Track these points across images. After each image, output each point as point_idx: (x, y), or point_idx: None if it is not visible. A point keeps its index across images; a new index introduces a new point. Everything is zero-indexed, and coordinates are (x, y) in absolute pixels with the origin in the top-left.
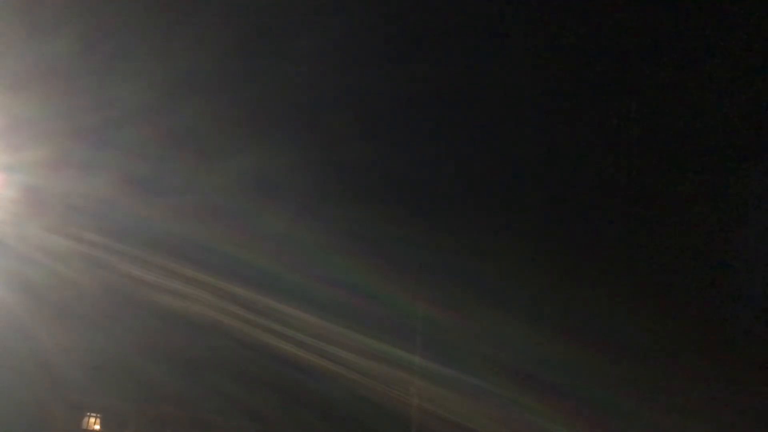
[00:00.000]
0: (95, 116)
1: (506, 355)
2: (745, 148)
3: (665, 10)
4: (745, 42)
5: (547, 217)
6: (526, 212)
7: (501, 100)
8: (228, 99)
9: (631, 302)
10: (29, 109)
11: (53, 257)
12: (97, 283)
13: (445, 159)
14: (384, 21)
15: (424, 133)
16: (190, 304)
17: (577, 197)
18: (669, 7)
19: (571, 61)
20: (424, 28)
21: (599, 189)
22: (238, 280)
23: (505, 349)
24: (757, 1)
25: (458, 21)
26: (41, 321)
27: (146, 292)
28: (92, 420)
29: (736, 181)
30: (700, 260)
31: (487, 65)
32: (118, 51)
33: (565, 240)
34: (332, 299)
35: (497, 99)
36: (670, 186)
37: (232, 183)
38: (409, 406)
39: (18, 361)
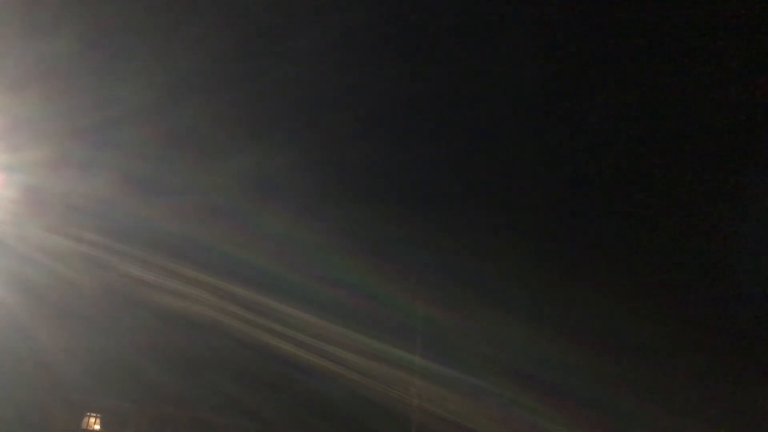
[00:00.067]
0: (95, 116)
1: (506, 355)
2: (745, 148)
3: (665, 9)
4: (745, 42)
5: (547, 217)
6: (526, 212)
7: (501, 100)
8: (228, 99)
9: (631, 302)
10: (29, 109)
11: (53, 257)
12: (97, 283)
13: (445, 159)
14: (384, 21)
15: (424, 133)
16: (190, 304)
17: (577, 197)
18: (669, 6)
19: (571, 60)
20: (424, 28)
21: (599, 189)
22: (238, 280)
23: (505, 349)
24: (758, 1)
25: (458, 21)
26: (41, 321)
27: (146, 292)
28: (92, 420)
29: (736, 181)
30: (700, 260)
31: (487, 65)
32: (118, 51)
33: (565, 240)
34: (332, 299)
35: (497, 99)
36: (670, 186)
37: (232, 183)
38: (409, 406)
39: (18, 361)
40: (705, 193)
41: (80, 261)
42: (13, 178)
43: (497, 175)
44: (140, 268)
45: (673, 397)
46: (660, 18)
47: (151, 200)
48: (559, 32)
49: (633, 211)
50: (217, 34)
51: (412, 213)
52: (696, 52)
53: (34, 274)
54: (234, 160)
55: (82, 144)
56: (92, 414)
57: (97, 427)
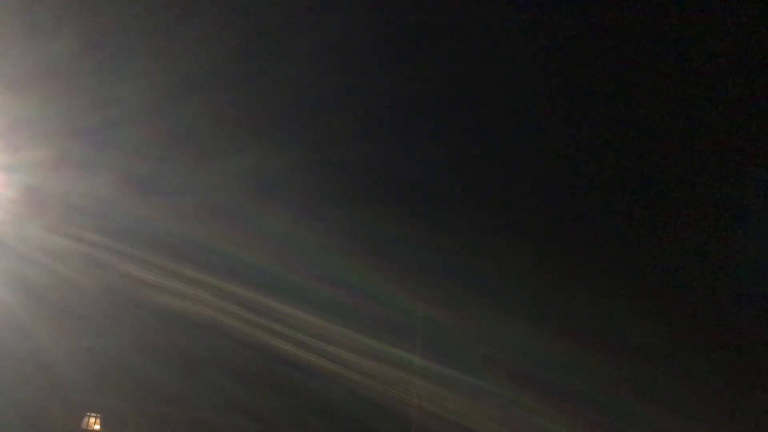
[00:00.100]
0: (95, 116)
1: (506, 355)
2: (746, 148)
3: (665, 9)
4: (745, 42)
5: (547, 217)
6: (526, 212)
7: (501, 100)
8: (228, 99)
9: (631, 302)
10: (29, 109)
11: (53, 257)
12: (97, 283)
13: (445, 159)
14: (384, 21)
15: (424, 133)
16: (190, 304)
17: (577, 197)
18: (668, 6)
19: (571, 60)
20: (424, 28)
21: (599, 189)
22: (238, 280)
23: (505, 349)
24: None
25: (458, 21)
26: (41, 321)
27: (146, 292)
28: (92, 420)
29: (736, 181)
30: (700, 260)
31: (487, 65)
32: (118, 51)
33: (565, 240)
34: (332, 299)
35: (497, 99)
36: (670, 186)
37: (232, 183)
38: (409, 406)
39: (18, 361)
40: (705, 193)
41: (80, 261)
42: (13, 178)
43: (497, 175)
44: (140, 268)
45: (673, 397)
46: (660, 18)
47: (151, 200)
48: (559, 32)
49: (633, 211)
50: (217, 34)
51: (412, 213)
52: (696, 52)
53: (34, 274)
54: (234, 160)
55: (82, 144)
56: (92, 414)
57: (97, 427)
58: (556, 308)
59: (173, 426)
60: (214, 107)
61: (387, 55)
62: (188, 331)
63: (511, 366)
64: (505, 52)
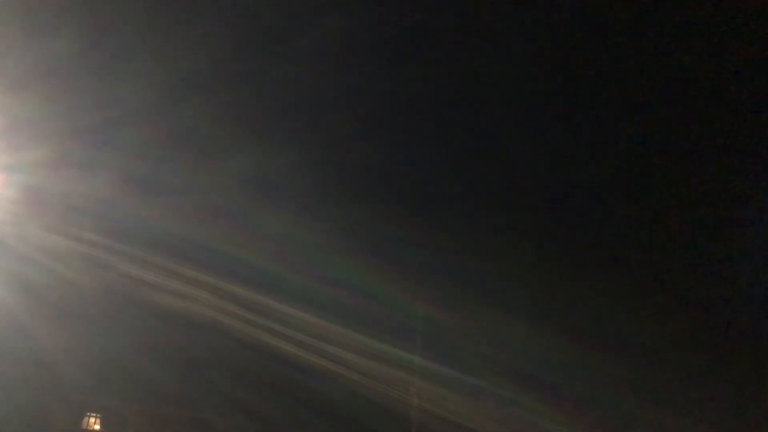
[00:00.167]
0: (95, 116)
1: (506, 355)
2: (746, 148)
3: (664, 9)
4: (745, 41)
5: (547, 217)
6: (526, 212)
7: (501, 100)
8: (228, 99)
9: (631, 302)
10: (29, 109)
11: (53, 257)
12: (97, 283)
13: (445, 159)
14: (384, 21)
15: (424, 133)
16: (190, 304)
17: (577, 197)
18: (668, 6)
19: (571, 60)
20: (425, 28)
21: (599, 189)
22: (238, 280)
23: (505, 349)
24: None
25: (458, 21)
26: (41, 321)
27: (146, 292)
28: (92, 420)
29: (736, 181)
30: (700, 260)
31: (487, 65)
32: (118, 51)
33: (565, 240)
34: (332, 299)
35: (497, 99)
36: (670, 186)
37: (232, 183)
38: (409, 406)
39: (18, 361)
40: (705, 193)
41: (80, 261)
42: (13, 178)
43: (497, 175)
44: (140, 268)
45: (673, 397)
46: (659, 17)
47: (151, 200)
48: (559, 32)
49: (633, 211)
50: (217, 34)
51: (412, 213)
52: (696, 52)
53: (34, 274)
54: (234, 160)
55: (82, 144)
56: (92, 414)
57: (97, 427)
58: (556, 308)
59: (173, 426)
60: (214, 107)
61: (387, 55)
62: (188, 331)
63: (511, 366)
64: (504, 52)
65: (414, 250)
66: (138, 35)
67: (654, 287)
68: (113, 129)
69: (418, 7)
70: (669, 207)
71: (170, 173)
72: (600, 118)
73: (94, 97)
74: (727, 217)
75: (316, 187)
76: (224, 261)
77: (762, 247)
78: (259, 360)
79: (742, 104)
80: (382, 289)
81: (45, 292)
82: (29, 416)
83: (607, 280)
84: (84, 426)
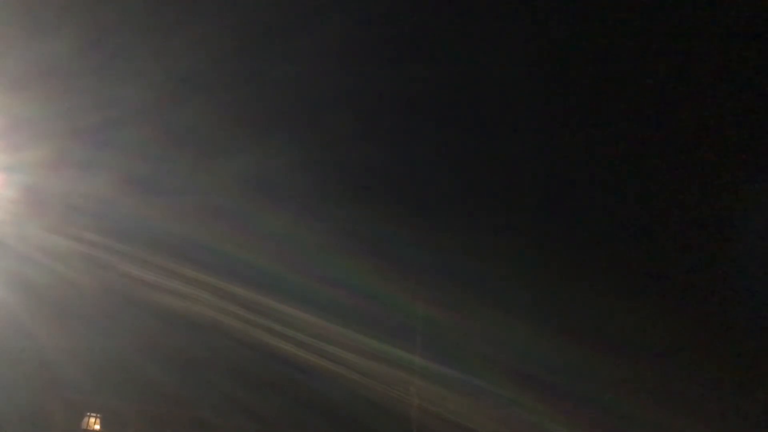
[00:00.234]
0: (95, 116)
1: (506, 355)
2: (746, 148)
3: (664, 9)
4: (745, 42)
5: (547, 217)
6: (526, 212)
7: (501, 100)
8: (228, 99)
9: (631, 302)
10: (29, 109)
11: (53, 257)
12: (97, 283)
13: (445, 159)
14: (384, 21)
15: (424, 133)
16: (190, 304)
17: (577, 197)
18: (668, 6)
19: (571, 60)
20: (425, 28)
21: (599, 189)
22: (238, 280)
23: (505, 349)
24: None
25: (458, 21)
26: (41, 321)
27: (146, 292)
28: (92, 420)
29: (736, 181)
30: (700, 260)
31: (487, 65)
32: (118, 51)
33: (566, 240)
34: (332, 299)
35: (497, 99)
36: (671, 185)
37: (232, 183)
38: (409, 406)
39: (18, 361)
40: (706, 193)
41: (80, 261)
42: (13, 178)
43: (497, 175)
44: (140, 268)
45: (673, 397)
46: (659, 17)
47: (151, 200)
48: (559, 32)
49: (633, 211)
50: (217, 34)
51: (412, 213)
52: (696, 51)
53: (34, 274)
54: (234, 160)
55: (82, 144)
56: (92, 414)
57: (97, 427)
58: (556, 308)
59: (173, 426)
60: (214, 107)
61: (387, 55)
62: (188, 331)
63: (511, 366)
64: (504, 52)
65: (414, 250)
66: (138, 35)
67: (654, 287)
68: (113, 129)
69: (418, 7)
70: (669, 207)
71: (170, 173)
72: (600, 118)
73: (94, 97)
74: (727, 217)
75: (316, 187)
76: (224, 261)
77: (762, 247)
78: (259, 360)
79: (743, 104)
80: (382, 289)
81: (45, 292)
82: (29, 416)
83: (607, 280)
84: (84, 426)
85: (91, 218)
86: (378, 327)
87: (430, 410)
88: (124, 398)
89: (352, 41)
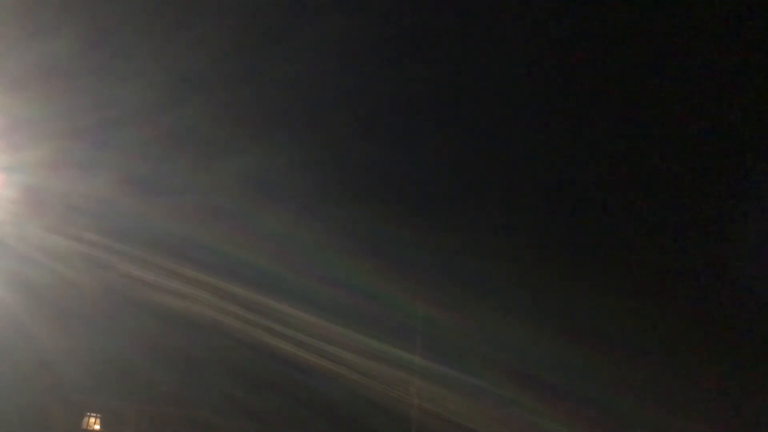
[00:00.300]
0: (95, 116)
1: (506, 355)
2: (745, 148)
3: (664, 9)
4: (745, 42)
5: (547, 217)
6: (526, 212)
7: (501, 100)
8: (228, 99)
9: (631, 302)
10: (29, 109)
11: (53, 257)
12: (97, 283)
13: (445, 159)
14: (384, 21)
15: (424, 133)
16: (190, 304)
17: (577, 197)
18: (668, 6)
19: (571, 61)
20: (425, 28)
21: (599, 189)
22: (238, 280)
23: (505, 349)
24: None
25: (458, 21)
26: (41, 321)
27: (146, 292)
28: (92, 420)
29: (736, 181)
30: (701, 260)
31: (487, 65)
32: (118, 51)
33: (566, 240)
34: (332, 299)
35: (497, 99)
36: (670, 186)
37: (232, 183)
38: (409, 406)
39: (18, 362)
40: (705, 193)
41: (80, 261)
42: (13, 178)
43: (497, 175)
44: (140, 268)
45: (673, 397)
46: (659, 17)
47: (151, 200)
48: (559, 33)
49: (633, 211)
50: (217, 34)
51: (412, 213)
52: (696, 51)
53: (34, 274)
54: (234, 160)
55: (82, 144)
56: (92, 414)
57: (97, 427)
58: (556, 308)
59: (173, 426)
60: (214, 107)
61: (387, 55)
62: (188, 331)
63: (511, 366)
64: (504, 53)
65: (414, 250)
66: (138, 35)
67: (654, 288)
68: (113, 129)
69: (418, 7)
70: (669, 207)
71: (170, 173)
72: (599, 117)
73: (94, 97)
74: (727, 216)
75: (316, 187)
76: (224, 261)
77: (762, 247)
78: (259, 360)
79: (743, 104)
80: (382, 289)
81: (45, 292)
82: (29, 416)
83: (607, 280)
84: (84, 426)
85: (91, 218)
86: (378, 327)
87: (430, 410)
88: (124, 398)
89: (352, 41)
